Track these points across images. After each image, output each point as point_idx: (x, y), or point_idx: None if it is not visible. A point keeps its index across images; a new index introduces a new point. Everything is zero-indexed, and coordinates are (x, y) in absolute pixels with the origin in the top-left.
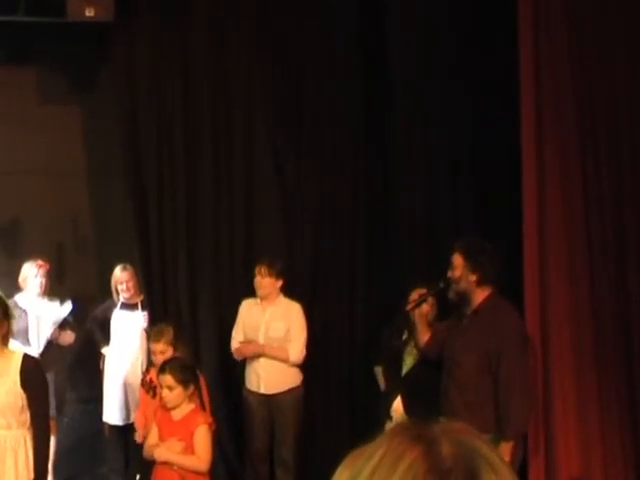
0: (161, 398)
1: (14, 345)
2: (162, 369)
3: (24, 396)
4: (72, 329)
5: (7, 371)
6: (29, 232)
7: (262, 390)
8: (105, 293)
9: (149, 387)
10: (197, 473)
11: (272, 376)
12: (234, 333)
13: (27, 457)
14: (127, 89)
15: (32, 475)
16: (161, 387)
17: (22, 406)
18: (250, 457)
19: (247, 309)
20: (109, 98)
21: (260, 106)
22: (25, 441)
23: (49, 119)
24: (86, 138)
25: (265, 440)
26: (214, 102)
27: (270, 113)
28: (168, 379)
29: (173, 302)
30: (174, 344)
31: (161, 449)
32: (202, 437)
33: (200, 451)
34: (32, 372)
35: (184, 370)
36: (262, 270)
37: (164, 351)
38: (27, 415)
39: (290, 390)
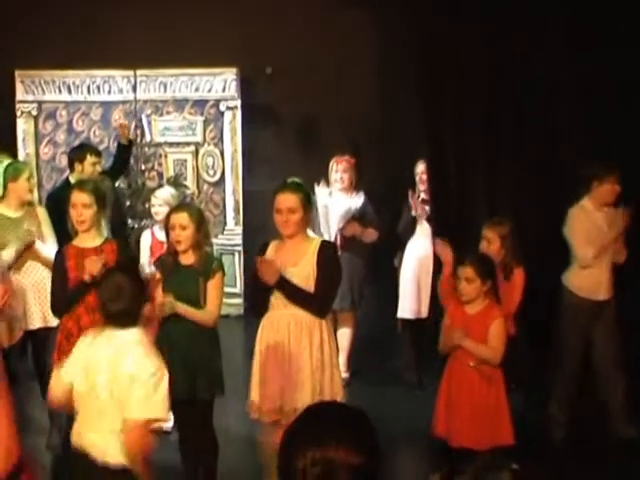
0: (457, 290)
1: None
2: (461, 261)
3: None
4: (375, 226)
5: (306, 253)
6: (325, 128)
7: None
8: (395, 192)
9: None
10: (490, 365)
11: None
12: None
13: (321, 340)
14: None
15: (325, 358)
16: (459, 279)
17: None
18: None
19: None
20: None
21: None
22: (320, 324)
23: (343, 22)
24: (378, 41)
25: None
26: None
27: None
28: (468, 271)
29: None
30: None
31: (463, 338)
32: (498, 331)
33: (495, 344)
34: (328, 256)
35: (484, 264)
36: None
37: None
38: None
39: None
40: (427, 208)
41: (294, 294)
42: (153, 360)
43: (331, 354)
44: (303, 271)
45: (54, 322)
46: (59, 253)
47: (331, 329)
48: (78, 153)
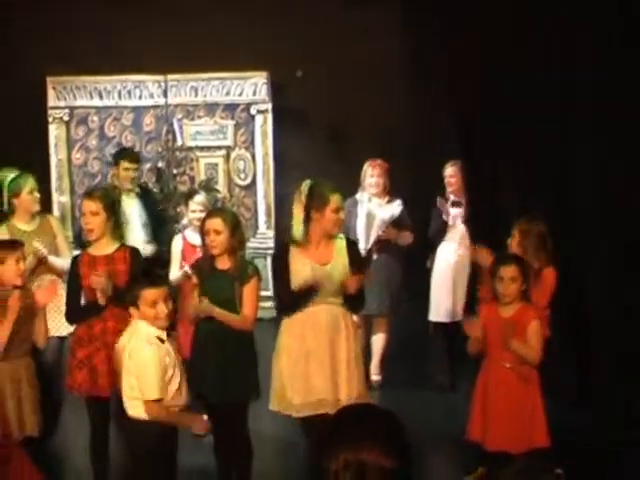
0: (497, 291)
1: None
2: (503, 261)
3: None
4: (410, 230)
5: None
6: (355, 131)
7: None
8: (424, 195)
9: None
10: (530, 365)
11: None
12: None
13: (355, 333)
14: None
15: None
16: (501, 279)
17: None
18: None
19: None
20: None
21: None
22: (352, 318)
23: (373, 24)
24: (406, 42)
25: None
26: None
27: None
28: (513, 270)
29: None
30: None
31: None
32: (536, 331)
33: (535, 344)
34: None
35: (523, 263)
36: None
37: None
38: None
39: None
40: (460, 210)
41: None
42: None
43: (356, 348)
44: (338, 268)
45: (65, 332)
46: (74, 260)
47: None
48: (115, 157)
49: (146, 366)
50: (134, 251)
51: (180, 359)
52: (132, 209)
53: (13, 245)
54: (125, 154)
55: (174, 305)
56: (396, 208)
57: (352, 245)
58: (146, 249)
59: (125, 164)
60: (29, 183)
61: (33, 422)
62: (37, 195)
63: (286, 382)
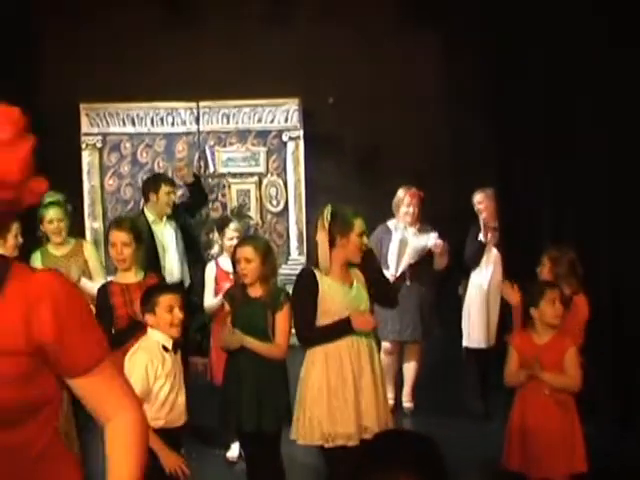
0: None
1: None
2: (551, 285)
3: None
4: (444, 253)
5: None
6: (387, 158)
7: None
8: (455, 220)
9: None
10: (569, 392)
11: None
12: None
13: (379, 362)
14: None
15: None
16: (552, 303)
17: None
18: None
19: None
20: (467, 22)
21: None
22: (375, 347)
23: (405, 50)
24: (441, 64)
25: None
26: None
27: None
28: (559, 294)
29: (535, 227)
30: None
31: (541, 370)
32: (573, 358)
33: (573, 372)
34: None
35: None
36: None
37: None
38: None
39: None
40: (494, 236)
41: None
42: None
43: (381, 377)
44: (361, 292)
45: None
46: (102, 290)
47: (376, 348)
48: (152, 183)
49: (133, 366)
50: (163, 279)
51: (182, 376)
52: (169, 236)
53: None
54: (162, 178)
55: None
56: (431, 239)
57: (367, 258)
58: (185, 280)
59: (167, 188)
60: (49, 213)
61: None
62: (59, 225)
63: (308, 413)
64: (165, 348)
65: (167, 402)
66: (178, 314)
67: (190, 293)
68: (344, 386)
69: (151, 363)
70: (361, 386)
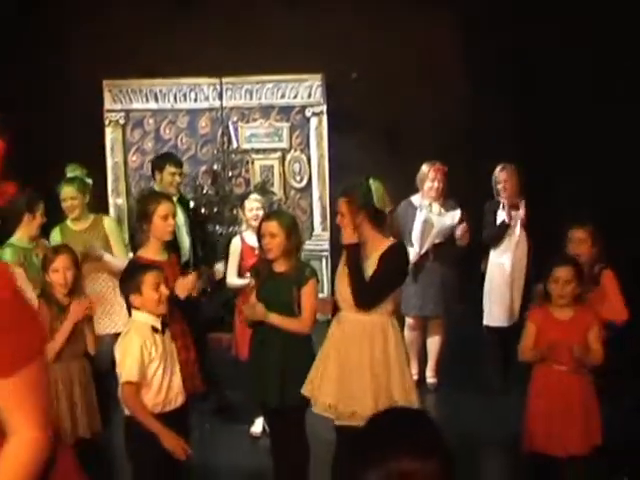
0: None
1: None
2: (557, 263)
3: None
4: (466, 231)
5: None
6: (409, 133)
7: None
8: (477, 197)
9: None
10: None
11: None
12: None
13: (385, 343)
14: None
15: (391, 361)
16: (556, 281)
17: None
18: None
19: None
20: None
21: None
22: (384, 328)
23: (427, 25)
24: (463, 45)
25: None
26: None
27: None
28: (567, 272)
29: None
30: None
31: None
32: (597, 335)
33: (598, 346)
34: (386, 258)
35: (578, 265)
36: None
37: None
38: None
39: None
40: (517, 213)
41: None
42: None
43: (399, 358)
44: (369, 270)
45: (120, 328)
46: (130, 266)
47: (399, 333)
48: (158, 162)
49: (127, 348)
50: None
51: (176, 356)
52: (179, 214)
53: (57, 251)
54: (170, 158)
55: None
56: (455, 218)
57: (386, 251)
58: (219, 270)
59: (171, 168)
60: (63, 192)
61: (85, 424)
62: (72, 202)
63: (324, 388)
64: (155, 329)
65: (162, 386)
66: (164, 291)
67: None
68: (359, 362)
69: (145, 345)
70: (378, 368)
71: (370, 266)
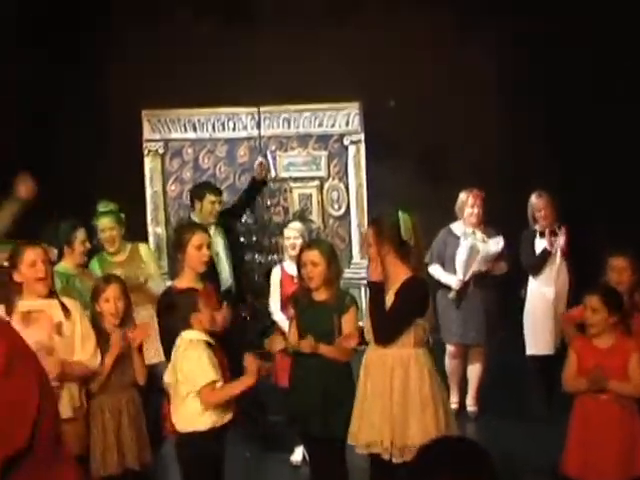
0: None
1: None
2: (587, 292)
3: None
4: (505, 259)
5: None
6: (448, 160)
7: None
8: (515, 224)
9: None
10: (633, 399)
11: None
12: None
13: (422, 374)
14: None
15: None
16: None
17: None
18: None
19: None
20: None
21: None
22: (417, 358)
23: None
24: (502, 70)
25: None
26: None
27: None
28: (594, 300)
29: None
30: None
31: (606, 380)
32: (637, 363)
33: (636, 377)
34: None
35: (611, 294)
36: None
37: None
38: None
39: None
40: (559, 241)
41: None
42: None
43: (420, 392)
44: (388, 303)
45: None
46: (168, 295)
47: (425, 366)
48: (197, 191)
49: (191, 359)
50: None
51: (225, 373)
52: (219, 243)
53: (108, 281)
54: (209, 187)
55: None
56: (499, 244)
57: (404, 283)
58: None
59: (211, 197)
60: (101, 222)
61: (134, 455)
62: (111, 233)
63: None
64: (209, 344)
65: None
66: (222, 321)
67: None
68: (378, 390)
69: (206, 354)
70: (401, 400)
71: (389, 299)
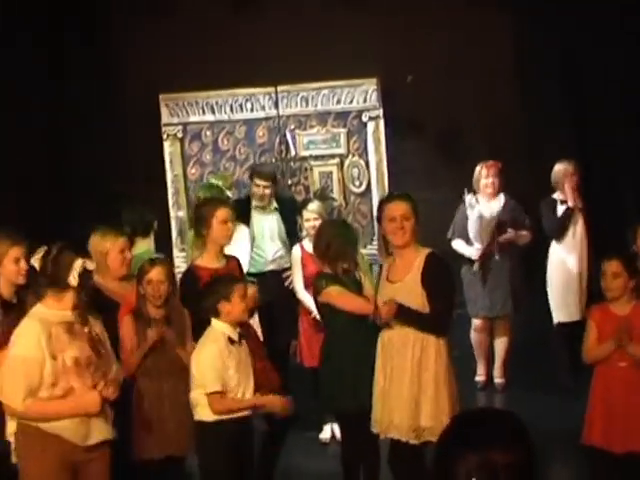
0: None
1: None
2: (606, 257)
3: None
4: (528, 229)
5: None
6: (466, 134)
7: None
8: (539, 194)
9: None
10: None
11: None
12: None
13: (421, 356)
14: None
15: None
16: (604, 275)
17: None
18: None
19: None
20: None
21: None
22: (422, 341)
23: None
24: (520, 44)
25: None
26: None
27: None
28: (614, 265)
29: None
30: None
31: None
32: None
33: None
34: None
35: (630, 259)
36: None
37: None
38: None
39: None
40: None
41: (410, 321)
42: None
43: (436, 372)
44: (406, 287)
45: None
46: (189, 275)
47: (444, 346)
48: (250, 175)
49: (206, 359)
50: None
51: (250, 368)
52: (264, 224)
53: (153, 262)
54: (255, 171)
55: None
56: (501, 201)
57: (429, 263)
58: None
59: (256, 181)
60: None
61: (175, 442)
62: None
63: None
64: (231, 340)
65: (236, 396)
66: (249, 301)
67: None
68: (386, 370)
69: (221, 355)
70: (399, 380)
71: (412, 279)
